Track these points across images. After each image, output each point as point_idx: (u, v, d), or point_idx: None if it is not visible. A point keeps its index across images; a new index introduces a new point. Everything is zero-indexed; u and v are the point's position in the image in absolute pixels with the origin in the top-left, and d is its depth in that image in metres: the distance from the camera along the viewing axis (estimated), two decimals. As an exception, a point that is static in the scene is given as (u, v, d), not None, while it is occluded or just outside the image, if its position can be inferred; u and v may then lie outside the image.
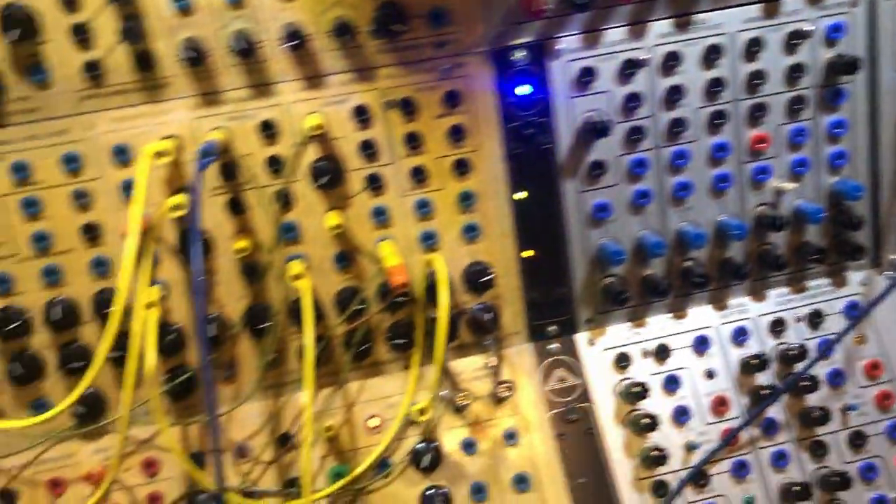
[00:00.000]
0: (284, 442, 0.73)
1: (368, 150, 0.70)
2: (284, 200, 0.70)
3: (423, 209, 0.72)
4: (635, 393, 0.75)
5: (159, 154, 0.63)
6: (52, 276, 0.68)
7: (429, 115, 0.70)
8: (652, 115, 0.73)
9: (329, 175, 0.69)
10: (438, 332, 0.66)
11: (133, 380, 0.62)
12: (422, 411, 0.67)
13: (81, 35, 0.63)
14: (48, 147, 0.66)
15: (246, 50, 0.64)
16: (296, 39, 0.65)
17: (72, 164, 0.66)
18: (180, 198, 0.65)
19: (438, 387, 0.72)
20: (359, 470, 0.72)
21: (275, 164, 0.69)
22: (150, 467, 0.72)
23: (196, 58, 0.64)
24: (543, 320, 0.77)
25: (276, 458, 0.72)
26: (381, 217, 0.72)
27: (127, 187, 0.67)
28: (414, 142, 0.71)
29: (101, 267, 0.68)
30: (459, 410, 0.74)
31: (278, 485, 0.72)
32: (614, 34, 0.71)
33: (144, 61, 0.65)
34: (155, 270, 0.69)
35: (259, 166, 0.69)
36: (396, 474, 0.73)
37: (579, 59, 0.71)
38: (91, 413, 0.70)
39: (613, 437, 0.75)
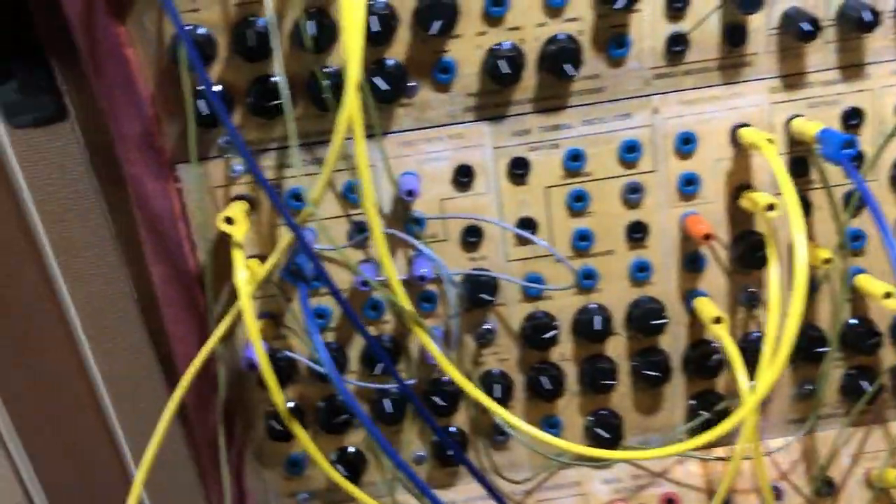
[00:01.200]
0: (828, 486, 0.62)
1: (962, 147, 0.59)
2: (857, 203, 0.59)
3: None
4: None
5: (769, 141, 0.54)
6: (587, 280, 0.60)
7: None
8: None
9: (923, 176, 0.58)
10: None
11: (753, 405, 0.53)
12: None
13: (678, 3, 0.54)
14: (607, 133, 0.57)
15: (869, 23, 0.54)
16: (928, 11, 0.54)
17: (630, 153, 0.57)
18: (770, 197, 0.55)
19: None
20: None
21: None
22: (669, 505, 0.63)
23: (810, 32, 0.54)
24: None
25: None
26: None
27: (686, 182, 0.58)
28: None
29: (643, 273, 0.60)
30: None
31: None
32: None
33: (736, 35, 0.55)
34: (695, 279, 0.60)
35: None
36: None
37: None
38: (609, 437, 0.62)
39: None
